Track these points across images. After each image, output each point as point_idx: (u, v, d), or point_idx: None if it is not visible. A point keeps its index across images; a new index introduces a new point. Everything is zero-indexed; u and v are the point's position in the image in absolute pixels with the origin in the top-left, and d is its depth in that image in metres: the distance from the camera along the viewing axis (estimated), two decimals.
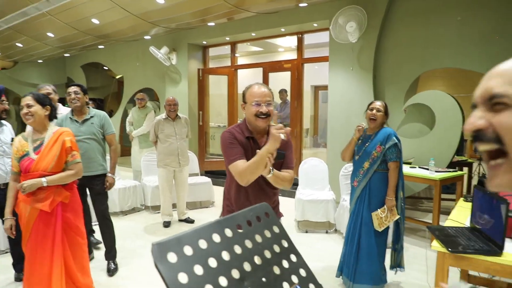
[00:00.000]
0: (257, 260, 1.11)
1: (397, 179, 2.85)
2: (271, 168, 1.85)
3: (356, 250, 2.91)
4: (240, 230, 1.15)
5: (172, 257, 0.91)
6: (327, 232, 4.33)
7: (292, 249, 1.26)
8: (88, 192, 3.41)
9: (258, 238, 1.17)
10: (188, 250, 0.96)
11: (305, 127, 9.31)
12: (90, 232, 3.84)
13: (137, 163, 5.81)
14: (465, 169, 5.32)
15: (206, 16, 5.59)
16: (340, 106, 5.12)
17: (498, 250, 1.76)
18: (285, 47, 9.12)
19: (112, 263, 3.42)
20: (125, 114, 7.47)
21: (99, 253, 3.67)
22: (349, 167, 4.08)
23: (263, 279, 1.09)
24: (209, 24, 6.23)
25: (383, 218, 2.85)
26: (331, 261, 3.48)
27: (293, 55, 7.15)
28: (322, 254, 3.73)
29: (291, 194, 4.80)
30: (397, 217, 2.83)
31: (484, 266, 1.78)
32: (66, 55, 9.08)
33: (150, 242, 3.13)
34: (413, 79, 4.72)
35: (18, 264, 3.09)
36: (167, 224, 4.65)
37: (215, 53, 7.96)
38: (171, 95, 4.86)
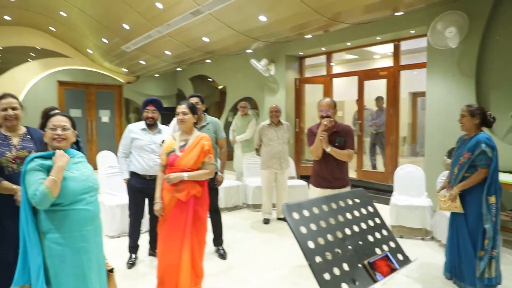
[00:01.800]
0: (355, 228, 1.44)
1: (487, 183, 2.86)
2: (329, 145, 3.19)
3: (457, 252, 3.04)
4: (342, 205, 1.48)
5: (295, 215, 1.31)
6: (423, 239, 4.33)
7: (383, 225, 1.55)
8: None
9: (356, 213, 1.50)
10: (306, 213, 1.34)
11: (402, 135, 9.11)
12: None
13: (239, 166, 6.43)
14: None
15: (303, 30, 5.97)
16: (438, 112, 5.05)
17: None
18: (381, 54, 9.08)
19: (221, 249, 3.96)
20: (227, 122, 8.23)
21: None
22: (447, 174, 4.06)
23: (360, 242, 1.41)
24: (306, 36, 6.60)
25: (441, 202, 3.06)
26: (430, 268, 3.55)
27: (389, 62, 7.15)
28: (420, 260, 3.75)
29: (386, 201, 4.87)
30: (459, 210, 2.95)
31: None
32: (177, 69, 10.28)
33: (251, 235, 3.75)
34: None
35: (154, 243, 3.77)
36: (266, 221, 5.10)
37: (310, 62, 8.30)
38: (270, 104, 5.34)
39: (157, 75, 10.94)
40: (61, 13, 7.76)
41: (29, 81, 9.15)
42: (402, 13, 5.14)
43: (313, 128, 3.43)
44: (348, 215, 1.46)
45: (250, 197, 5.76)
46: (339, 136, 3.27)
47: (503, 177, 3.62)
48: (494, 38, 4.58)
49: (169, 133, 3.68)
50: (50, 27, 9.12)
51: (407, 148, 10.14)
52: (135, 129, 3.65)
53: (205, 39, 6.68)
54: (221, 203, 5.54)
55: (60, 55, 9.91)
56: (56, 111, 3.06)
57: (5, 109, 2.44)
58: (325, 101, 3.32)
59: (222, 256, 3.89)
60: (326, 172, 3.31)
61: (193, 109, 2.97)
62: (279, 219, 5.23)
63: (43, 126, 2.08)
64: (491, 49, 4.62)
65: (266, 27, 5.82)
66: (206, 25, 5.94)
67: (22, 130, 2.55)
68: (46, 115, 2.21)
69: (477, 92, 4.70)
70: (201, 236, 2.94)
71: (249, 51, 7.73)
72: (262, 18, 5.39)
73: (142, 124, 3.65)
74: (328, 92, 7.25)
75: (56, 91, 9.43)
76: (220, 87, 10.73)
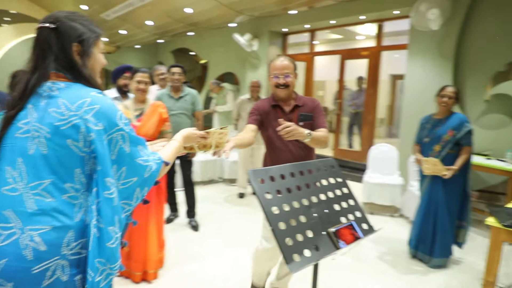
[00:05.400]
0: (322, 197, 1.45)
1: (468, 163, 3.11)
2: (308, 132, 1.89)
3: (433, 228, 3.19)
4: (310, 174, 1.49)
5: (261, 181, 1.30)
6: (392, 216, 4.46)
7: (351, 196, 1.57)
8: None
9: (324, 182, 1.51)
10: (272, 179, 1.34)
11: (380, 116, 9.23)
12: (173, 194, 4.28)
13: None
14: None
15: (288, 4, 5.87)
16: (416, 95, 5.11)
17: None
18: (364, 34, 9.06)
19: (194, 221, 3.97)
20: (207, 97, 8.13)
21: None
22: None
23: (326, 211, 1.43)
24: (290, 12, 6.50)
25: (426, 168, 3.15)
26: (397, 243, 3.68)
27: (372, 43, 7.14)
28: (387, 236, 3.88)
29: (360, 180, 4.96)
30: (444, 171, 3.04)
31: None
32: (159, 41, 10.01)
33: (225, 208, 3.76)
34: (498, 69, 4.55)
35: None
36: (241, 195, 5.14)
37: (294, 41, 8.22)
38: (251, 79, 5.29)
39: (138, 46, 10.64)
40: None
41: (2, 47, 8.74)
42: None
43: (262, 104, 2.29)
44: (316, 184, 1.47)
45: (226, 172, 5.78)
46: (304, 111, 2.22)
47: (474, 159, 3.73)
48: (475, 22, 4.62)
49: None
50: None
51: (384, 129, 10.31)
52: None
53: (188, 10, 6.49)
54: (197, 177, 5.54)
55: (36, 21, 9.45)
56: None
57: None
58: (281, 60, 2.19)
59: (195, 227, 3.91)
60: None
61: (151, 78, 2.96)
62: (254, 193, 5.26)
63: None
64: (471, 32, 4.66)
65: (250, 0, 5.70)
66: None
67: None
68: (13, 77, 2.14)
69: (454, 75, 4.77)
70: (161, 206, 2.97)
71: (232, 25, 7.58)
72: None
73: (113, 92, 3.55)
74: (310, 70, 7.23)
75: None
76: (202, 61, 10.54)
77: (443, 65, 4.82)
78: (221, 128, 1.59)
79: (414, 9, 4.76)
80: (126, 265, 2.76)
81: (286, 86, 2.17)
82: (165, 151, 1.31)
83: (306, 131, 1.89)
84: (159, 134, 2.89)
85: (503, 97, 4.48)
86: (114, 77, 3.50)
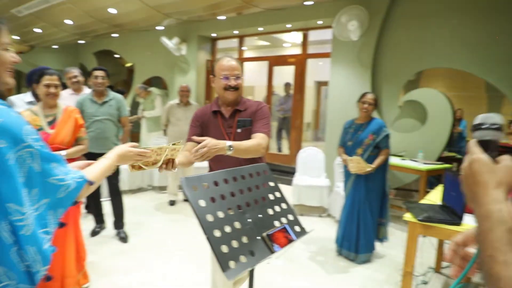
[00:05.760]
0: (255, 202, 1.46)
1: (388, 162, 3.41)
2: (228, 145, 1.73)
3: (357, 226, 3.39)
4: (244, 179, 1.49)
5: (194, 189, 1.27)
6: (320, 216, 4.67)
7: (283, 199, 1.61)
8: None
9: (257, 187, 1.52)
10: (206, 186, 1.31)
11: (306, 120, 9.63)
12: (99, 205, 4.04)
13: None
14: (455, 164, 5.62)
15: (217, 10, 5.88)
16: (339, 100, 5.42)
17: (458, 220, 2.09)
18: (291, 42, 9.41)
19: (122, 232, 3.78)
20: (134, 102, 7.81)
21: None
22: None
23: (259, 215, 1.44)
24: (219, 17, 6.52)
25: (352, 167, 3.35)
26: (325, 242, 3.85)
27: (298, 51, 7.44)
28: (317, 236, 4.04)
29: (290, 182, 5.12)
30: (368, 168, 3.27)
31: (446, 233, 2.10)
32: (80, 41, 9.39)
33: (155, 217, 3.62)
34: (409, 78, 5.02)
35: None
36: (172, 203, 5.00)
37: (223, 46, 8.26)
38: (180, 84, 5.20)
39: (55, 46, 9.85)
40: None
41: None
42: (312, 2, 5.37)
43: (202, 112, 2.13)
44: (249, 189, 1.48)
45: (156, 179, 5.60)
46: (245, 117, 2.04)
47: (390, 160, 4.05)
48: (389, 34, 5.04)
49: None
50: None
51: (311, 133, 10.79)
52: (20, 102, 3.25)
53: (112, 11, 6.18)
54: (125, 185, 5.29)
55: None
56: None
57: None
58: (228, 61, 2.02)
59: (123, 239, 3.72)
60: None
61: (61, 81, 2.76)
62: (185, 200, 5.17)
63: None
64: (386, 44, 5.08)
65: (178, 3, 5.60)
66: None
67: None
68: None
69: (372, 83, 5.15)
70: (76, 217, 2.76)
71: (160, 28, 7.39)
72: None
73: (28, 96, 3.25)
74: None
75: None
76: (128, 64, 10.10)
77: (362, 73, 5.18)
78: (173, 144, 1.54)
79: (335, 20, 5.06)
80: None
81: (236, 88, 2.01)
82: (91, 169, 1.17)
83: (228, 143, 1.72)
84: (75, 141, 2.71)
85: (414, 103, 4.94)
86: (29, 80, 3.21)
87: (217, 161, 1.99)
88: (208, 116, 2.08)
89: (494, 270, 0.48)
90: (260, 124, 2.03)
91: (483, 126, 0.68)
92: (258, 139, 1.94)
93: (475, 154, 0.60)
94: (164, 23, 6.87)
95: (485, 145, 0.64)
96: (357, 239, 3.41)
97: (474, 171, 0.58)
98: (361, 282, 3.09)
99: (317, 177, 4.88)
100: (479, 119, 0.69)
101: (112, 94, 3.73)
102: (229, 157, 1.80)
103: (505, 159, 0.59)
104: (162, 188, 5.62)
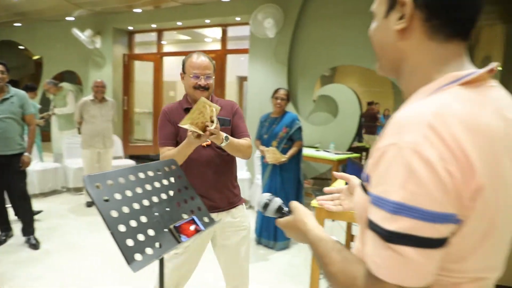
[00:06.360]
0: (163, 196, 1.50)
1: (301, 153, 3.62)
2: (225, 136, 1.73)
3: None
4: (151, 175, 1.51)
5: (98, 186, 1.28)
6: None
7: (191, 192, 1.66)
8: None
9: (165, 182, 1.56)
10: (110, 183, 1.33)
11: None
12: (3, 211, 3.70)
13: (58, 146, 5.77)
14: (364, 154, 6.16)
15: (133, 2, 5.69)
16: (257, 95, 5.60)
17: None
18: (212, 37, 9.41)
19: (32, 238, 3.53)
20: (44, 98, 7.23)
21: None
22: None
23: (167, 209, 1.48)
24: (135, 10, 6.31)
25: (269, 157, 3.50)
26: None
27: (219, 46, 7.49)
28: None
29: None
30: (283, 158, 3.47)
31: (348, 216, 2.34)
32: None
33: (70, 220, 3.46)
34: (322, 73, 5.36)
35: None
36: (90, 204, 4.77)
37: (141, 39, 7.99)
38: (95, 79, 4.94)
39: None
40: None
41: None
42: None
43: (171, 109, 1.98)
44: (156, 184, 1.52)
45: (71, 180, 5.27)
46: (221, 116, 1.88)
47: (305, 151, 4.32)
48: (302, 31, 5.31)
49: None
50: None
51: None
52: None
53: None
54: (35, 189, 4.92)
55: None
56: None
57: None
58: (200, 59, 1.91)
59: (34, 246, 3.47)
60: (204, 184, 1.93)
61: None
62: (89, 205, 4.94)
63: None
64: (300, 41, 5.35)
65: None
66: None
67: None
68: None
69: (288, 78, 5.40)
70: None
71: (70, 18, 6.93)
72: None
73: None
74: (159, 70, 7.15)
75: None
76: (35, 57, 9.29)
77: (279, 68, 5.41)
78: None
79: (252, 18, 5.20)
80: None
81: (207, 88, 1.91)
82: None
83: (224, 134, 1.72)
84: None
85: (326, 98, 5.29)
86: None
87: (190, 162, 1.90)
88: (179, 113, 1.93)
89: (327, 269, 0.70)
90: (244, 128, 1.99)
91: (261, 209, 1.03)
92: (248, 142, 1.93)
93: (282, 221, 0.98)
94: (75, 13, 6.46)
95: (279, 211, 1.04)
96: (275, 227, 3.57)
97: (293, 224, 0.93)
98: (280, 268, 3.27)
99: (239, 170, 5.00)
100: (256, 205, 1.04)
101: (14, 90, 3.43)
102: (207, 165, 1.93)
103: (295, 206, 0.96)
104: (78, 190, 5.32)
